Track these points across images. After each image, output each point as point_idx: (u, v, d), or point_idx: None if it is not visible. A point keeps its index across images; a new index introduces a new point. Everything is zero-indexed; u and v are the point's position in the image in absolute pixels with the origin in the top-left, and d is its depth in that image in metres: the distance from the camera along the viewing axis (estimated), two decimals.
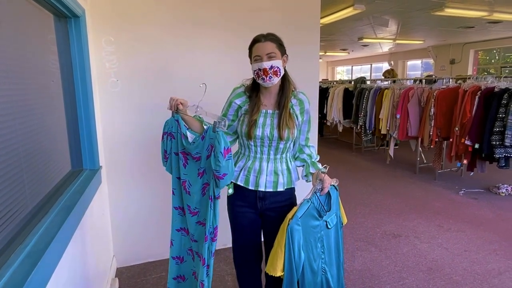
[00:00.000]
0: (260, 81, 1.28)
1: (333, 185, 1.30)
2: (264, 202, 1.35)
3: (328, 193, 1.28)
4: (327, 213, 1.28)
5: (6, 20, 1.05)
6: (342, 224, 1.36)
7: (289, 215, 1.23)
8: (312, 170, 1.34)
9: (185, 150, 1.31)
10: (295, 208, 1.24)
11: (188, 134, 1.30)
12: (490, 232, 2.77)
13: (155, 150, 2.19)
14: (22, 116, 1.11)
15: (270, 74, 1.24)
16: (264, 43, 1.25)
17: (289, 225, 1.20)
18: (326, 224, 1.28)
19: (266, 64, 1.23)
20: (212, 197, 1.24)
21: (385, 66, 12.02)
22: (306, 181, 1.37)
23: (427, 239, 2.67)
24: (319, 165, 1.34)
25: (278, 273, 1.23)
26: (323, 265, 1.29)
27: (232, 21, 2.25)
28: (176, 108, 1.29)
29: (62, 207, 1.25)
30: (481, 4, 4.74)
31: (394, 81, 5.49)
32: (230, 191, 1.34)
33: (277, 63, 1.25)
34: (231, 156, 1.19)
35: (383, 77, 6.66)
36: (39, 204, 1.19)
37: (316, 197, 1.25)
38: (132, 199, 2.23)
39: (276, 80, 1.28)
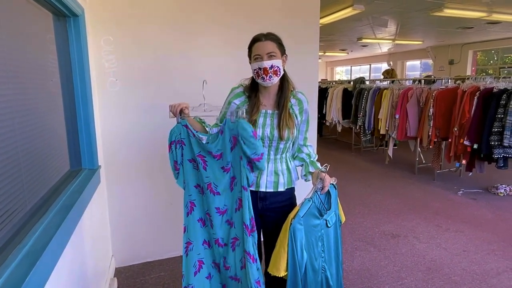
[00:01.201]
0: (259, 81, 1.28)
1: (332, 184, 1.31)
2: (265, 202, 1.35)
3: (328, 192, 1.28)
4: (327, 211, 1.28)
5: (5, 19, 1.04)
6: (340, 222, 1.37)
7: (291, 214, 1.23)
8: (311, 169, 1.34)
9: (202, 152, 1.28)
10: (297, 208, 1.24)
11: (202, 137, 1.27)
12: (489, 232, 2.78)
13: (154, 149, 2.20)
14: (21, 116, 1.11)
15: (270, 74, 1.24)
16: (264, 42, 1.24)
17: (291, 225, 1.20)
18: (326, 223, 1.28)
19: (267, 64, 1.23)
20: (246, 187, 1.23)
21: (384, 66, 12.04)
22: (305, 180, 1.37)
23: (426, 239, 2.67)
24: (318, 164, 1.35)
25: (282, 273, 1.22)
26: (323, 264, 1.30)
27: (231, 21, 2.25)
28: (180, 113, 1.26)
29: (60, 206, 1.24)
30: (480, 5, 4.75)
31: (392, 81, 5.50)
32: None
33: (277, 62, 1.25)
34: (259, 138, 1.23)
35: (382, 77, 6.67)
36: (37, 203, 1.19)
37: (317, 196, 1.25)
38: (131, 199, 2.23)
39: (276, 79, 1.27)
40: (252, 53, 1.28)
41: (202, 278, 1.32)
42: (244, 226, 1.23)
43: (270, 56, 1.24)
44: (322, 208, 1.26)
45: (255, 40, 1.27)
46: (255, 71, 1.27)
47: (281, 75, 1.28)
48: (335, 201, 1.32)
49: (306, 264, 1.24)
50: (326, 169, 1.26)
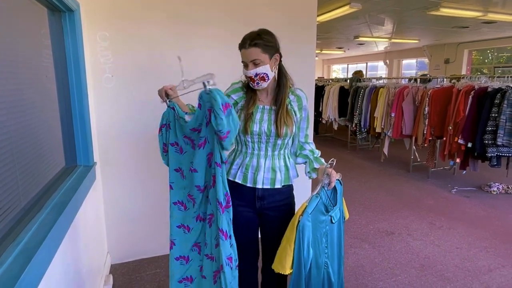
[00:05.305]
0: (251, 84, 1.28)
1: (338, 180, 1.29)
2: (263, 201, 1.34)
3: (334, 188, 1.27)
4: (333, 207, 1.27)
5: None
6: (344, 218, 1.35)
7: (299, 211, 1.20)
8: (316, 165, 1.32)
9: (187, 134, 1.25)
10: (304, 204, 1.21)
11: (186, 117, 1.24)
12: (481, 230, 2.82)
13: (150, 146, 2.19)
14: (15, 112, 1.10)
15: (257, 80, 1.24)
16: (248, 50, 1.21)
17: (300, 222, 1.17)
18: (331, 219, 1.26)
19: (251, 72, 1.22)
20: (220, 163, 1.17)
21: (381, 64, 12.09)
22: (309, 177, 1.35)
23: (420, 237, 2.70)
24: (323, 160, 1.34)
25: (287, 271, 1.20)
26: (326, 260, 1.28)
27: (228, 18, 2.24)
28: (167, 95, 1.23)
29: (55, 203, 1.24)
30: (476, 4, 4.78)
31: (359, 80, 5.56)
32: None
33: (263, 69, 1.22)
34: (231, 112, 1.10)
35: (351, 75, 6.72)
36: (32, 200, 1.18)
37: (324, 191, 1.23)
38: (127, 196, 2.22)
39: (265, 84, 1.26)
40: (241, 58, 1.26)
41: (172, 257, 1.35)
42: (217, 204, 1.19)
43: (255, 64, 1.22)
44: (328, 204, 1.25)
45: (240, 46, 1.24)
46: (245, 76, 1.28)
47: (270, 79, 1.26)
48: (340, 196, 1.30)
49: (311, 261, 1.22)
50: (333, 163, 1.23)
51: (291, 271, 1.20)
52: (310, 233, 1.19)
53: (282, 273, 1.21)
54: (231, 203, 1.21)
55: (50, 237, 1.02)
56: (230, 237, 1.22)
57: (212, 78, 1.10)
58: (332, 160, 1.24)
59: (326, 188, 1.24)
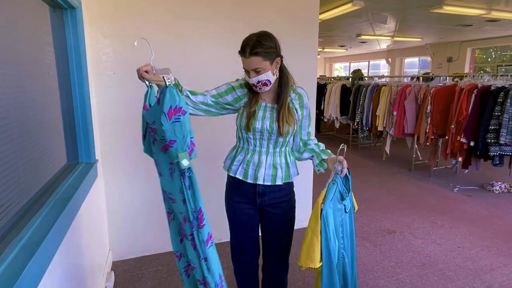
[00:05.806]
0: (253, 89, 1.28)
1: (347, 168, 1.27)
2: (263, 198, 1.35)
3: (345, 176, 1.25)
4: (347, 195, 1.25)
5: (1, 10, 1.03)
6: (354, 209, 1.33)
7: (319, 200, 1.16)
8: (324, 156, 1.32)
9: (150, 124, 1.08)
10: (323, 192, 1.19)
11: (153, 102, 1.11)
12: (483, 229, 2.81)
13: None
14: (17, 109, 1.10)
15: (260, 86, 1.25)
16: (248, 59, 1.20)
17: (323, 210, 1.12)
18: (345, 208, 1.24)
19: (253, 80, 1.23)
20: (182, 174, 1.00)
21: (383, 63, 12.04)
22: (318, 171, 1.34)
23: (421, 235, 2.70)
24: (329, 151, 1.34)
25: (317, 264, 1.14)
26: (341, 250, 1.25)
27: (229, 17, 2.23)
28: (144, 78, 1.17)
29: (57, 200, 1.24)
30: (479, 2, 4.74)
31: (361, 79, 5.56)
32: (186, 163, 0.99)
33: (265, 76, 1.22)
34: (179, 118, 0.94)
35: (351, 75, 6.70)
36: (34, 197, 1.19)
37: (339, 178, 1.22)
38: (129, 193, 2.23)
39: (268, 88, 1.27)
40: (242, 64, 1.26)
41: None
42: (189, 223, 1.05)
43: (256, 71, 1.22)
44: (344, 191, 1.23)
45: (240, 53, 1.23)
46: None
47: (271, 83, 1.26)
48: (351, 185, 1.29)
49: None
50: (344, 150, 1.21)
51: (320, 264, 1.15)
52: (333, 221, 1.15)
53: (312, 267, 1.15)
54: (204, 222, 1.05)
55: (52, 233, 1.02)
56: (205, 259, 1.09)
57: (168, 73, 0.98)
58: (343, 145, 1.22)
59: (339, 174, 1.22)
